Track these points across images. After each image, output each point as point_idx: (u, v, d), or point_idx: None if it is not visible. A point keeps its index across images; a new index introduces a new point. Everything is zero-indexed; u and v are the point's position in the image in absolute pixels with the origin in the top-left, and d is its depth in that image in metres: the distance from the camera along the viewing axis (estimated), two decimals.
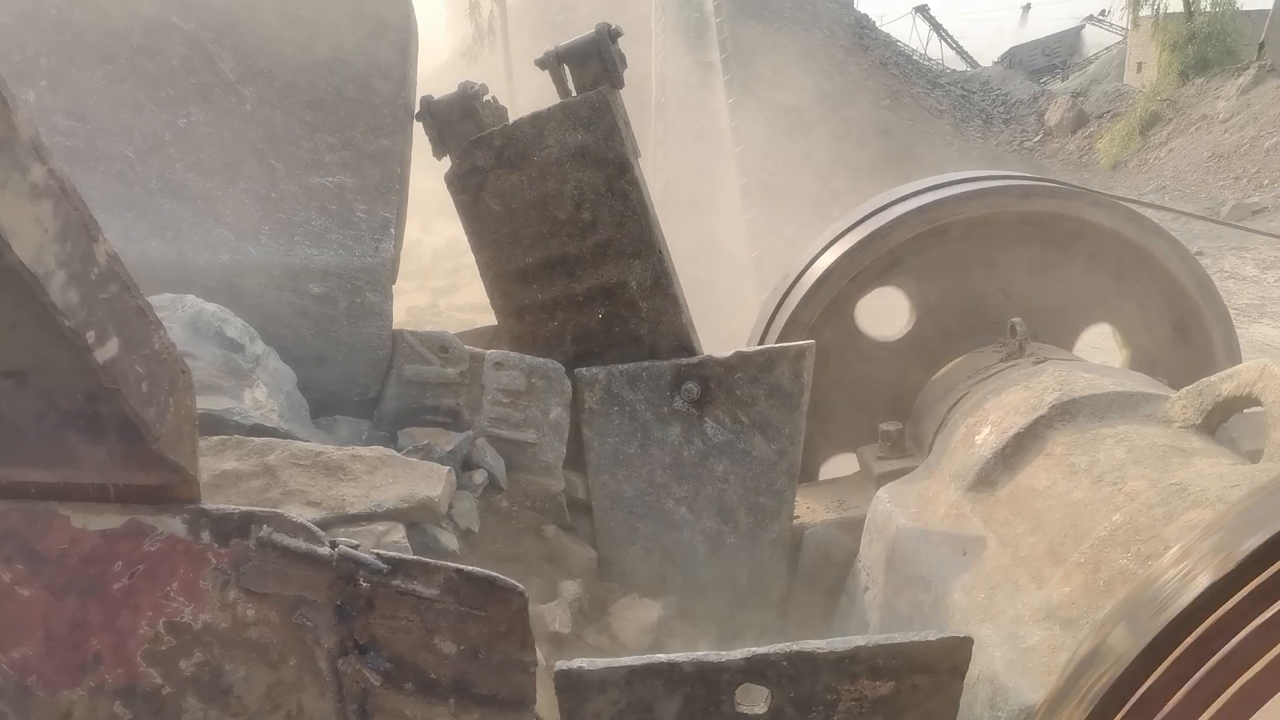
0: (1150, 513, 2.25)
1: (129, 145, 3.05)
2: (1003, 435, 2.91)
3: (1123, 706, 1.12)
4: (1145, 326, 4.00)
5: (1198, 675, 1.06)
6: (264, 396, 2.74)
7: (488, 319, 3.67)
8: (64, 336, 1.42)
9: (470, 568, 1.82)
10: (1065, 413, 2.83)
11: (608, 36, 3.23)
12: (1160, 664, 1.12)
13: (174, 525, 1.75)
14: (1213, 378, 2.67)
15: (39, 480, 1.75)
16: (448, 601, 1.82)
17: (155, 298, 2.75)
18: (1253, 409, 2.59)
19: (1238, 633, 1.06)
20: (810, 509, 3.65)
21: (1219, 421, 2.67)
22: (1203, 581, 1.14)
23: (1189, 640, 1.10)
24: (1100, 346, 4.52)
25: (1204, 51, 22.88)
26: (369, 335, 3.13)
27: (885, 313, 4.06)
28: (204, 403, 2.56)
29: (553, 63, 3.25)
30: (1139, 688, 1.12)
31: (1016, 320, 3.53)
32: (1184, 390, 2.74)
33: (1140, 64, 26.49)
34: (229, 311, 2.87)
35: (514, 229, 3.36)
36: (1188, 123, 21.54)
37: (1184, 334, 3.97)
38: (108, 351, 1.46)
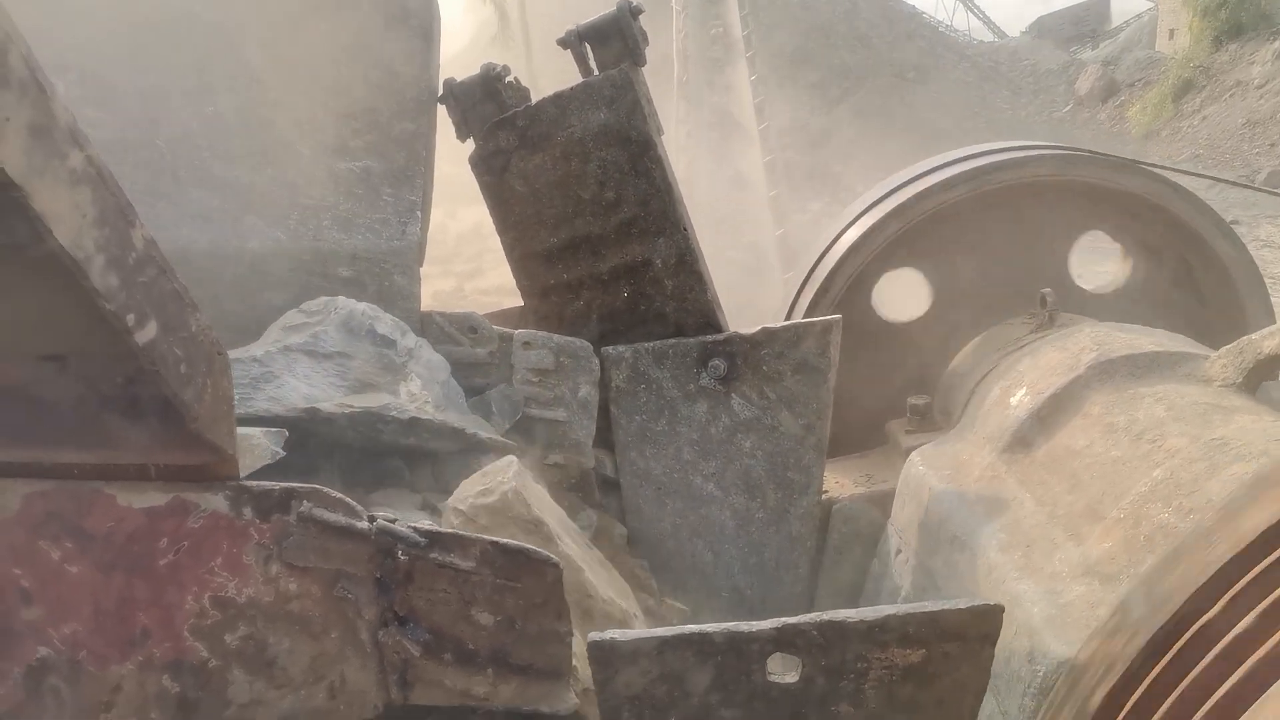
0: (1192, 467, 2.23)
1: (157, 135, 3.10)
2: (1039, 396, 2.89)
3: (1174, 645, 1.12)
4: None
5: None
6: (418, 389, 2.80)
7: (514, 302, 3.69)
8: (104, 320, 1.46)
9: (505, 540, 1.86)
10: (1103, 373, 2.80)
11: (629, 14, 3.23)
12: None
13: (217, 502, 1.80)
14: (1254, 335, 2.63)
15: (82, 462, 1.81)
16: (484, 573, 1.85)
17: (310, 303, 2.89)
18: None
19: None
20: (839, 483, 3.66)
21: (1261, 379, 2.62)
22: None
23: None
24: None
25: (1237, 16, 22.33)
26: (398, 317, 3.16)
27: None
28: (362, 400, 2.65)
29: (574, 42, 3.25)
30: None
31: (1047, 290, 3.50)
32: (1224, 349, 2.70)
33: (1172, 30, 25.92)
34: (378, 309, 2.94)
35: (538, 209, 3.37)
36: (1221, 89, 21.08)
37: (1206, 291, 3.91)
38: (147, 334, 1.50)
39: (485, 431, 2.88)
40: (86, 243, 1.36)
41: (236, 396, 2.42)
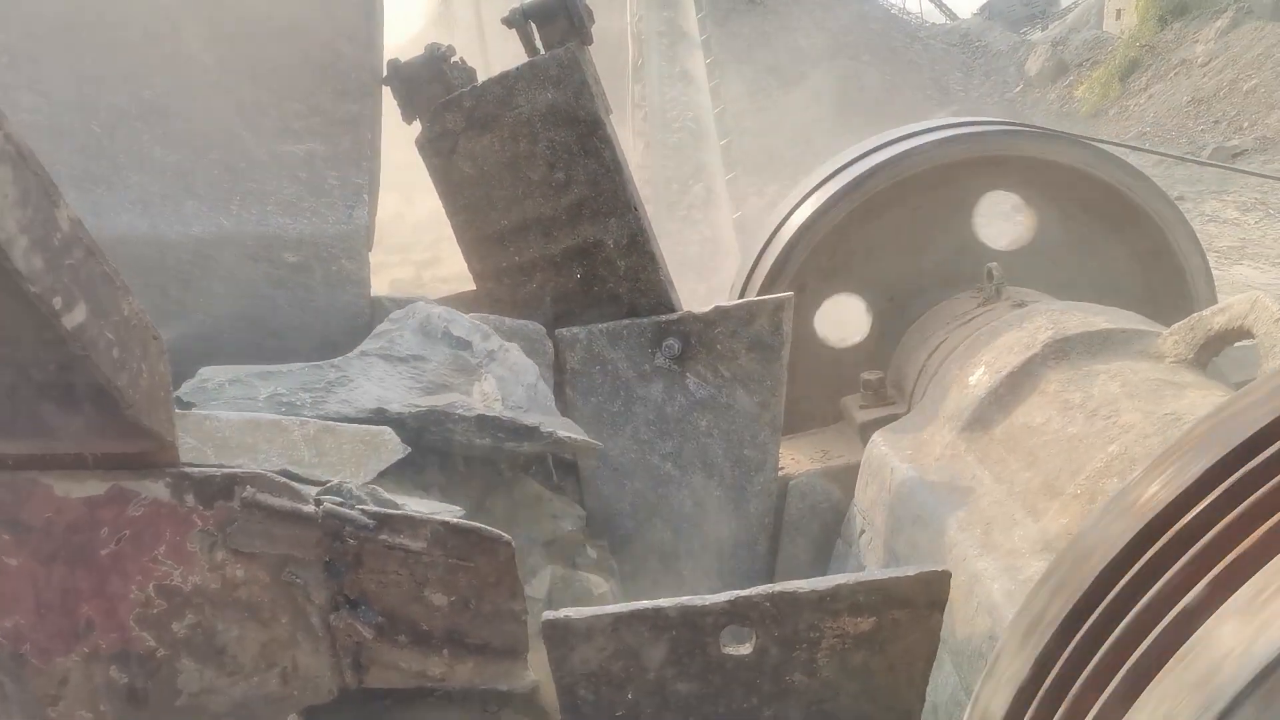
0: (1145, 442, 2.28)
1: (94, 119, 3.02)
2: (996, 375, 2.93)
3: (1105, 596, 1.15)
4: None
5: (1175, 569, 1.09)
6: (492, 388, 2.78)
7: (470, 288, 3.66)
8: (30, 304, 1.42)
9: (456, 520, 1.85)
10: (1058, 351, 2.85)
11: None
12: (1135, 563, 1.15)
13: (157, 490, 1.76)
14: (1204, 312, 2.68)
15: (16, 452, 1.76)
16: (435, 554, 1.84)
17: (398, 312, 2.90)
18: (1244, 342, 2.62)
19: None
20: (795, 460, 3.69)
21: (1211, 355, 2.69)
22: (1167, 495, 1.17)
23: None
24: None
25: None
26: (347, 303, 3.12)
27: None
28: (431, 400, 2.63)
29: (519, 20, 3.22)
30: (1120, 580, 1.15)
31: (993, 265, 3.56)
32: (1176, 325, 2.76)
33: (1119, 10, 26.31)
34: (455, 311, 2.94)
35: (487, 191, 3.34)
36: (1167, 68, 21.49)
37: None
38: (75, 318, 1.46)
39: (566, 430, 2.84)
40: (8, 224, 1.32)
41: (309, 399, 2.42)
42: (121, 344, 1.55)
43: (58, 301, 1.40)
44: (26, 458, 1.73)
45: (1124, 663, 1.06)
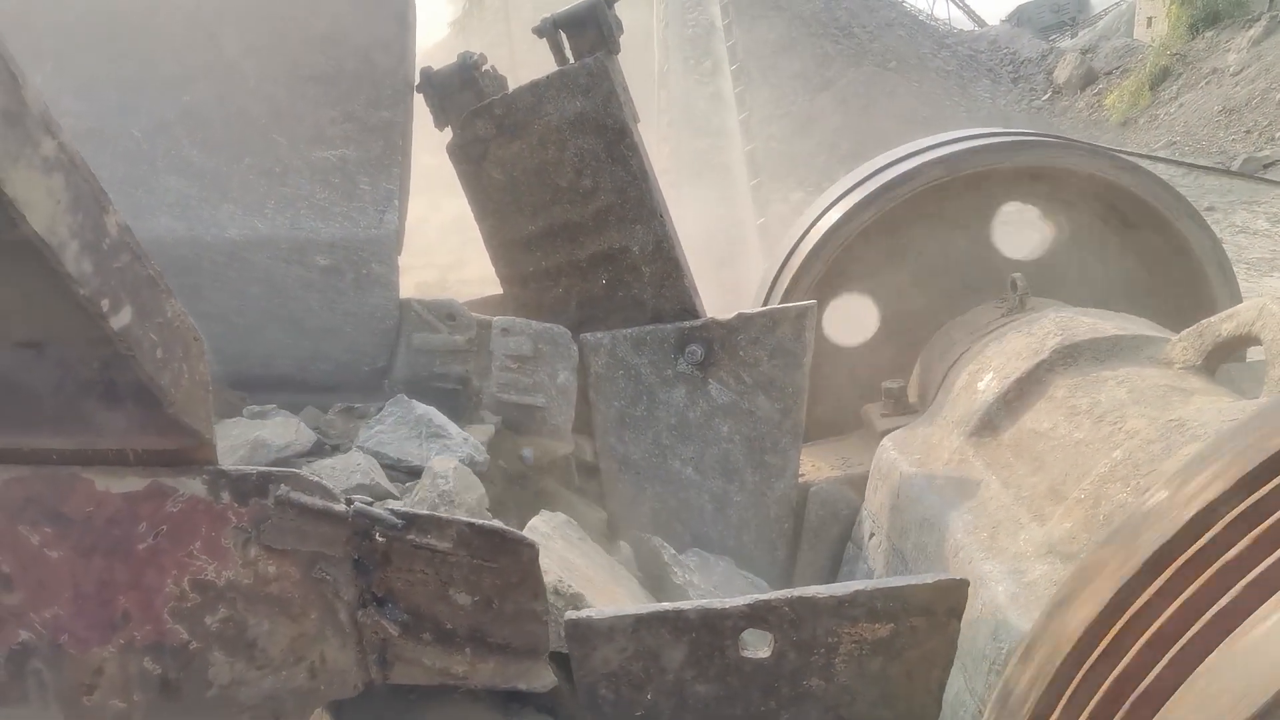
0: (1149, 448, 2.29)
1: (135, 124, 3.10)
2: (1005, 380, 2.94)
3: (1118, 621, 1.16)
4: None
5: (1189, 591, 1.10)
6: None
7: (495, 291, 3.71)
8: (79, 306, 1.48)
9: (481, 520, 1.89)
10: (1067, 356, 2.86)
11: (604, 2, 3.25)
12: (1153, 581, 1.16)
13: (195, 486, 1.82)
14: (1213, 318, 2.68)
15: (60, 447, 1.82)
16: (460, 554, 1.88)
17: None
18: (1253, 349, 2.61)
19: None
20: (815, 467, 3.71)
21: (1219, 362, 2.68)
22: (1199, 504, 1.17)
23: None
24: None
25: (1214, 3, 22.46)
26: (376, 305, 3.18)
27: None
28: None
29: (550, 30, 3.27)
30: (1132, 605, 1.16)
31: (1017, 275, 3.56)
32: (1184, 332, 2.76)
33: (1150, 18, 26.04)
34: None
35: (516, 197, 3.39)
36: (1198, 77, 21.24)
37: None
38: (122, 319, 1.52)
39: None
40: (60, 229, 1.37)
41: None
42: (165, 344, 1.60)
43: (106, 304, 1.46)
44: (70, 453, 1.79)
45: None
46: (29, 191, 1.32)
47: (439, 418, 2.87)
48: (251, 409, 2.87)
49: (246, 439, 2.63)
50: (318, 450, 2.78)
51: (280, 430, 2.73)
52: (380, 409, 2.89)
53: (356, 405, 3.02)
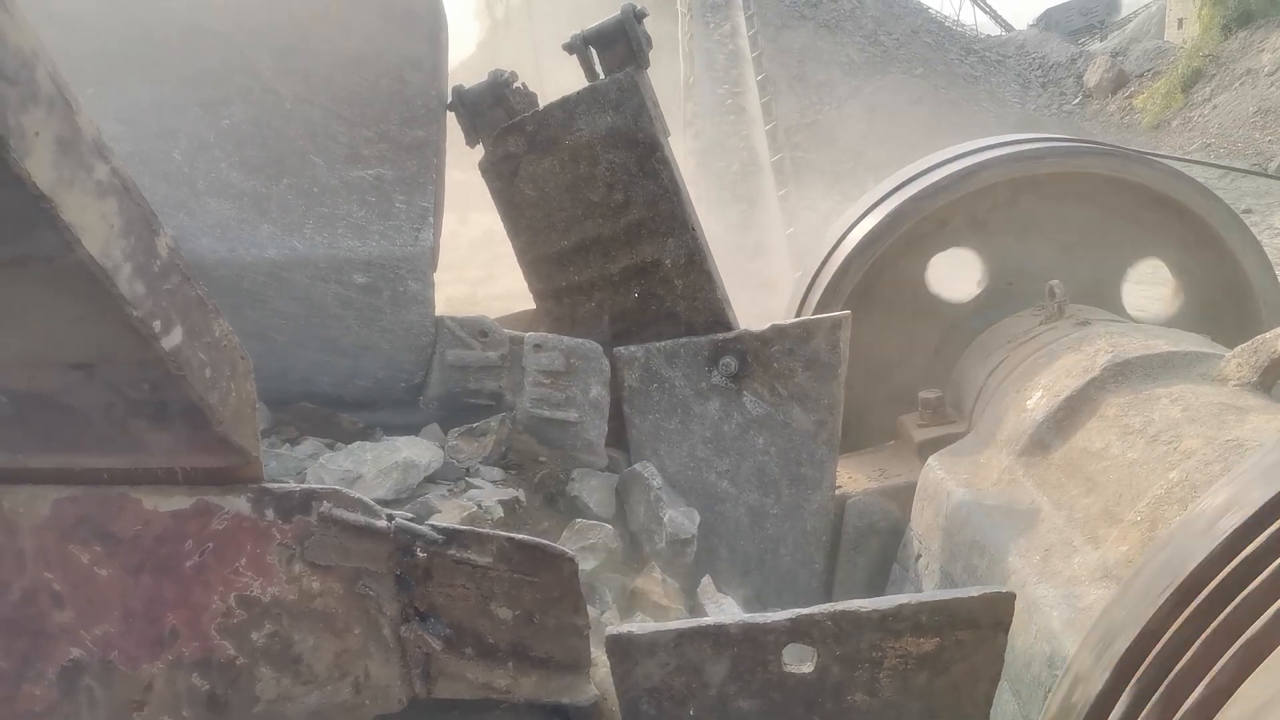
0: (1207, 469, 2.24)
1: (175, 147, 3.16)
2: (1055, 399, 2.90)
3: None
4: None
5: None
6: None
7: (525, 306, 3.73)
8: (130, 327, 1.51)
9: (521, 535, 1.89)
10: (1118, 374, 2.81)
11: (633, 17, 3.26)
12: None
13: (240, 504, 1.84)
14: (1268, 334, 2.63)
15: (110, 466, 1.86)
16: (501, 569, 1.89)
17: None
18: None
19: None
20: (852, 478, 3.68)
21: (1276, 378, 2.63)
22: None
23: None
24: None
25: (1246, 3, 22.17)
26: (412, 322, 3.21)
27: None
28: None
29: (580, 46, 3.30)
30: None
31: (1055, 282, 3.52)
32: (1239, 348, 2.70)
33: (1181, 20, 25.74)
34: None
35: (548, 213, 3.41)
36: (1231, 78, 20.94)
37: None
38: (173, 340, 1.54)
39: None
40: (114, 252, 1.40)
41: None
42: (213, 364, 1.63)
43: (157, 325, 1.48)
44: (120, 472, 1.82)
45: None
46: (83, 216, 1.35)
47: None
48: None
49: (395, 460, 2.69)
50: (448, 471, 2.85)
51: (420, 450, 2.80)
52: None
53: (476, 425, 3.09)
